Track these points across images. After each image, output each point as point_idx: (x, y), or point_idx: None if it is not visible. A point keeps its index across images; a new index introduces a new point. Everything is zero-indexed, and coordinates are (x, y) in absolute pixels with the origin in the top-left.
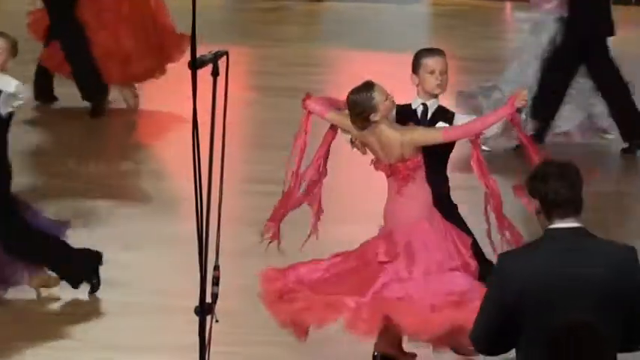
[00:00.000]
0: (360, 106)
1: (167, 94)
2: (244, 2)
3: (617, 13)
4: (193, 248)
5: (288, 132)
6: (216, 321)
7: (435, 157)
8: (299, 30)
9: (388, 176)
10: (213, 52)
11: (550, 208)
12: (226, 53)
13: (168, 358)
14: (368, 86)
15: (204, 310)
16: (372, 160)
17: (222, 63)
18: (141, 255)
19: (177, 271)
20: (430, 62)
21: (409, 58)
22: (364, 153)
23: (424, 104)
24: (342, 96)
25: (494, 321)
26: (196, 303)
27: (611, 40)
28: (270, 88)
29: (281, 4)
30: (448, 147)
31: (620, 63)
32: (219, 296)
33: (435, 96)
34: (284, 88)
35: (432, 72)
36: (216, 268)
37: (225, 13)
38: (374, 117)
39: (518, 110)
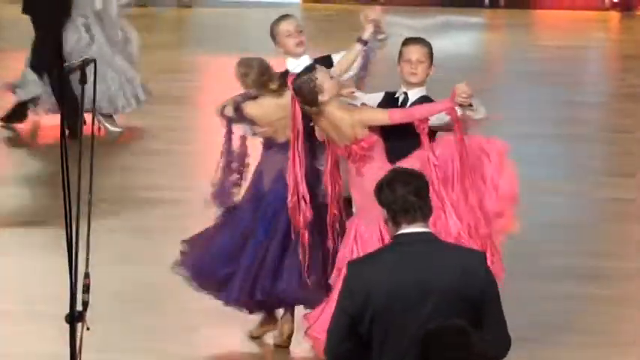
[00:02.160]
0: (304, 89)
1: None
2: None
3: (487, 15)
4: (64, 255)
5: (160, 139)
6: (87, 329)
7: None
8: (167, 36)
9: (347, 159)
10: (81, 59)
11: (398, 215)
12: (94, 61)
13: None
14: (308, 69)
15: (74, 317)
16: (328, 145)
17: (89, 71)
18: (9, 261)
19: (48, 279)
20: (406, 51)
21: (279, 62)
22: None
23: (405, 93)
24: (213, 102)
25: (345, 328)
26: (67, 310)
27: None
28: None
29: (149, 10)
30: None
31: (489, 64)
32: (90, 304)
33: (418, 85)
34: (154, 95)
35: (408, 60)
36: (87, 275)
37: None
38: (322, 97)
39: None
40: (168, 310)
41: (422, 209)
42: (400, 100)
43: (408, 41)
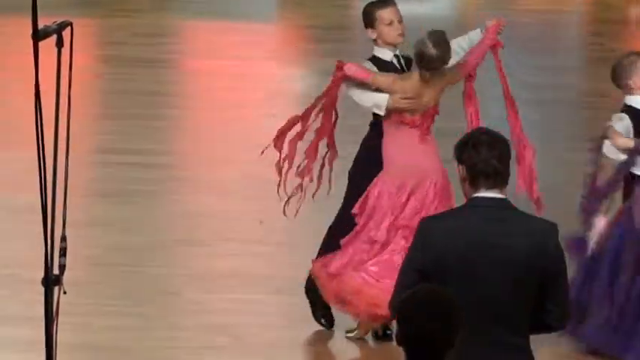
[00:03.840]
0: (443, 58)
1: (10, 67)
2: None
3: None
4: (40, 219)
5: (137, 103)
6: (64, 292)
7: None
8: (147, 0)
9: (413, 127)
10: (57, 22)
11: (478, 177)
12: (70, 24)
13: (15, 329)
14: (445, 38)
15: (50, 280)
16: (396, 116)
17: (66, 34)
18: None
19: (24, 242)
20: (385, 14)
21: (259, 27)
22: (402, 112)
23: (397, 55)
24: (191, 66)
25: (413, 284)
26: (43, 274)
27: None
28: (118, 59)
29: None
30: None
31: (467, 28)
32: (67, 267)
33: (396, 46)
34: (133, 58)
35: (390, 23)
36: (63, 239)
37: None
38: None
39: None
40: (146, 273)
41: (502, 175)
42: (395, 62)
43: (380, 4)
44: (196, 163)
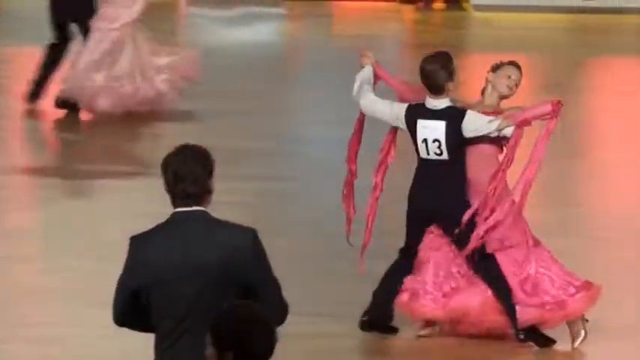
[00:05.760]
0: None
1: None
2: None
3: (287, 6)
4: None
5: None
6: None
7: None
8: None
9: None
10: None
11: (174, 199)
12: None
13: None
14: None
15: None
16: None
17: None
18: None
19: None
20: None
21: None
22: None
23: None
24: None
25: (125, 301)
26: None
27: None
28: None
29: None
30: None
31: (290, 54)
32: None
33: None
34: None
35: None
36: None
37: None
38: None
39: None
40: None
41: (197, 195)
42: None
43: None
44: None
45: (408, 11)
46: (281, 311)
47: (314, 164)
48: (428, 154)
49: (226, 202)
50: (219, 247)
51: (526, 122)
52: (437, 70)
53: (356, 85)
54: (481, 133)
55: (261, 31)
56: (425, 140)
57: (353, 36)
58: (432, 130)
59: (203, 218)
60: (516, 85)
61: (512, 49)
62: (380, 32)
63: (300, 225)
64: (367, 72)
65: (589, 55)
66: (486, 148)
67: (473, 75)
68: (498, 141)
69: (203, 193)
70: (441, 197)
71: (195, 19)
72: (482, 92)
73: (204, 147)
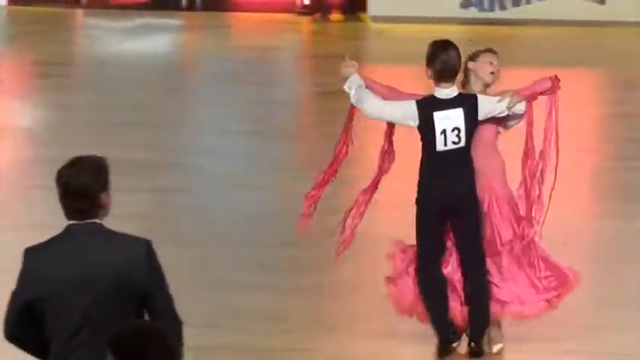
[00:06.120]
0: None
1: None
2: None
3: (185, 17)
4: None
5: None
6: None
7: None
8: None
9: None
10: None
11: (67, 209)
12: None
13: None
14: None
15: None
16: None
17: None
18: None
19: None
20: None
21: None
22: None
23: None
24: None
25: (19, 313)
26: None
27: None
28: None
29: None
30: None
31: (188, 65)
32: None
33: None
34: None
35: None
36: None
37: None
38: None
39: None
40: None
41: (87, 209)
42: None
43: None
44: None
45: (306, 23)
46: (175, 326)
47: (209, 176)
48: (445, 145)
49: (122, 214)
50: (114, 259)
51: (533, 97)
52: (457, 56)
53: (352, 93)
54: (492, 114)
55: (158, 43)
56: (443, 131)
57: (250, 47)
58: (453, 120)
59: (98, 230)
60: (497, 71)
61: (409, 61)
62: (278, 44)
63: (196, 236)
64: (357, 78)
65: None
66: (485, 135)
67: None
68: (496, 126)
69: (94, 207)
70: (462, 183)
71: (92, 30)
72: (464, 84)
73: (101, 158)
